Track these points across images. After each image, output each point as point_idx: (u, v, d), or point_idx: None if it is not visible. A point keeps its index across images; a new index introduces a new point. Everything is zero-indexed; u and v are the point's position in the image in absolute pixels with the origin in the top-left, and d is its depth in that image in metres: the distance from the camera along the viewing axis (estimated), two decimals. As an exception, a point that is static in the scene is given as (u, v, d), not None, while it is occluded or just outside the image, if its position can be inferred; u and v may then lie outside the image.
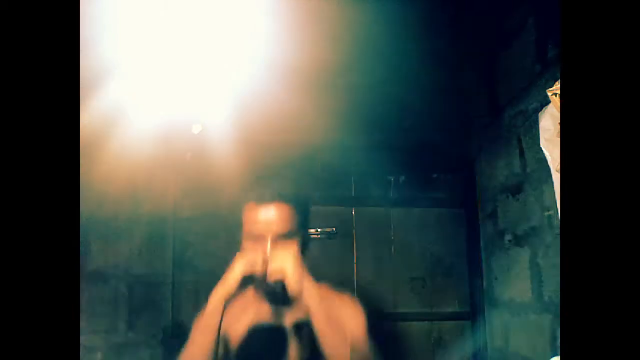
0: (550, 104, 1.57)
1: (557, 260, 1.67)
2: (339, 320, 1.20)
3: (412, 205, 2.35)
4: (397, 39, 2.36)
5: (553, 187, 1.60)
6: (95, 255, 2.14)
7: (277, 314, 1.31)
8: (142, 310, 2.13)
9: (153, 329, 2.12)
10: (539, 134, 1.65)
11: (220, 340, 1.28)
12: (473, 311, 2.28)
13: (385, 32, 2.33)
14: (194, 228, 2.21)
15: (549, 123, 1.60)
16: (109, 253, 2.15)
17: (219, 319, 1.20)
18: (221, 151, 2.16)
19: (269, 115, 2.22)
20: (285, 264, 1.17)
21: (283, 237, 1.22)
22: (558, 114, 1.51)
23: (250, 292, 1.35)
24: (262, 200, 1.25)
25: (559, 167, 1.53)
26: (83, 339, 2.06)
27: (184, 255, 2.19)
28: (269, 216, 1.23)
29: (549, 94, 1.48)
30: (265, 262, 1.17)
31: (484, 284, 2.27)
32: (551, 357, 1.49)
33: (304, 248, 1.28)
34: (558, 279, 1.66)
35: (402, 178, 2.36)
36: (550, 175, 1.61)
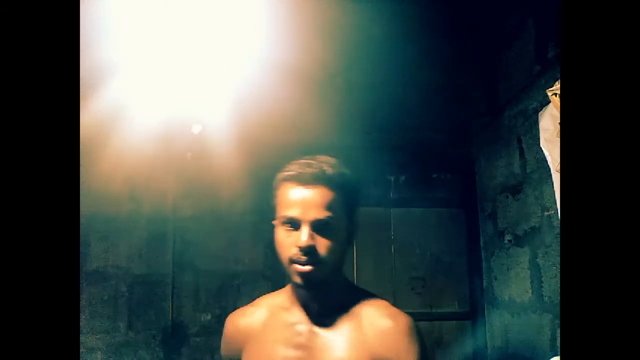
0: (550, 104, 1.57)
1: (557, 260, 1.67)
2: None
3: (412, 205, 2.35)
4: (397, 39, 2.36)
5: (553, 187, 1.60)
6: (95, 255, 2.14)
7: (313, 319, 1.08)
8: (142, 310, 2.13)
9: (153, 329, 2.12)
10: (539, 134, 1.65)
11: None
12: (473, 311, 2.28)
13: (385, 33, 2.34)
14: (194, 228, 2.21)
15: (549, 123, 1.60)
16: (109, 253, 2.15)
17: None
18: (221, 151, 2.16)
19: (269, 115, 2.22)
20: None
21: (321, 226, 1.01)
22: (558, 114, 1.51)
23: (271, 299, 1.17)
24: (302, 179, 1.05)
25: (559, 167, 1.53)
26: (83, 339, 2.06)
27: (184, 255, 2.19)
28: (308, 198, 1.03)
29: (549, 94, 1.48)
30: (300, 252, 1.00)
31: (484, 284, 2.27)
32: (551, 357, 1.49)
33: (351, 235, 1.07)
34: (558, 279, 1.66)
35: (402, 178, 2.36)
36: (550, 175, 1.61)
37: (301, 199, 1.04)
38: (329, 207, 1.03)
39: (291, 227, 1.04)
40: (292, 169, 1.08)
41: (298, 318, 1.09)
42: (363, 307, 1.06)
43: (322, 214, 1.02)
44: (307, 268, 1.00)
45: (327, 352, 1.04)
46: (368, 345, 1.02)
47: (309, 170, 1.05)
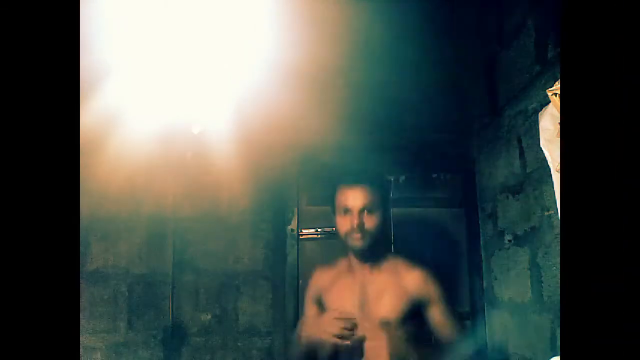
0: (550, 104, 1.57)
1: (557, 260, 1.67)
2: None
3: (412, 205, 2.35)
4: (397, 39, 2.36)
5: (553, 187, 1.60)
6: (95, 255, 2.14)
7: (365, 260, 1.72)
8: (142, 310, 2.13)
9: (153, 329, 2.12)
10: (539, 134, 1.65)
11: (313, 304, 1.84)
12: (473, 311, 2.28)
13: (386, 33, 2.34)
14: (194, 228, 2.21)
15: (549, 123, 1.60)
16: (109, 253, 2.15)
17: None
18: (221, 151, 2.17)
19: (269, 116, 2.22)
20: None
21: (367, 210, 1.60)
22: (558, 114, 1.51)
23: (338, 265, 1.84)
24: (349, 183, 1.63)
25: (559, 167, 1.53)
26: (83, 339, 2.06)
27: (184, 255, 2.19)
28: (356, 195, 1.60)
29: (549, 94, 1.48)
30: (354, 228, 1.59)
31: (484, 284, 2.27)
32: (551, 357, 1.49)
33: (386, 217, 1.70)
34: (558, 279, 1.66)
35: (402, 178, 2.36)
36: (550, 175, 1.61)
37: (352, 195, 1.65)
38: (369, 199, 1.64)
39: (345, 214, 1.65)
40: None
41: (356, 270, 1.74)
42: (397, 262, 1.73)
43: (365, 203, 1.63)
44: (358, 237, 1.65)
45: (378, 292, 1.66)
46: (404, 286, 1.67)
47: (353, 176, 1.70)
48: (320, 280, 1.82)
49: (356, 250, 1.65)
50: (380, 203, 1.63)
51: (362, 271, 1.70)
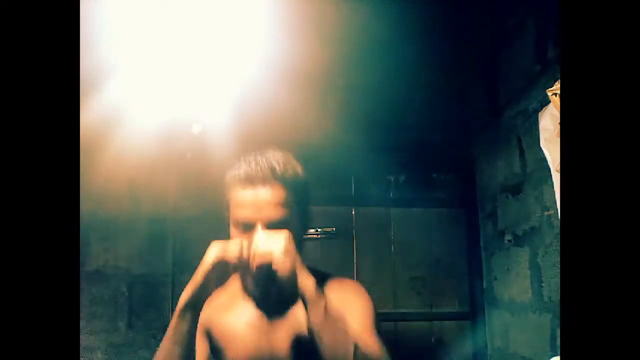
0: (550, 104, 1.57)
1: (557, 260, 1.67)
2: (342, 314, 0.98)
3: (412, 205, 2.35)
4: (397, 39, 2.36)
5: (553, 187, 1.60)
6: (95, 255, 2.14)
7: (265, 310, 1.14)
8: (142, 310, 2.13)
9: (153, 329, 2.12)
10: (539, 134, 1.65)
11: (203, 339, 1.18)
12: (473, 311, 2.28)
13: (385, 33, 2.33)
14: (194, 228, 2.21)
15: (549, 123, 1.60)
16: (109, 253, 2.15)
17: (190, 321, 1.00)
18: (221, 151, 2.16)
19: (269, 115, 2.22)
20: (274, 247, 0.94)
21: (276, 225, 1.00)
22: (558, 114, 1.51)
23: (235, 286, 1.20)
24: (252, 179, 1.02)
25: (559, 167, 1.53)
26: (83, 339, 2.06)
27: (184, 255, 2.19)
28: (260, 199, 1.01)
29: (549, 94, 1.48)
30: (251, 250, 0.97)
31: (484, 284, 2.27)
32: (551, 357, 1.49)
33: (300, 240, 1.07)
34: (558, 279, 1.66)
35: (402, 178, 2.36)
36: (550, 175, 1.61)
37: (253, 200, 1.02)
38: (282, 207, 1.03)
39: (242, 230, 1.04)
40: (241, 168, 1.06)
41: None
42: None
43: (274, 214, 1.01)
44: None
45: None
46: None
47: (257, 169, 1.04)
48: (211, 306, 1.18)
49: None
50: (299, 210, 1.07)
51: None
